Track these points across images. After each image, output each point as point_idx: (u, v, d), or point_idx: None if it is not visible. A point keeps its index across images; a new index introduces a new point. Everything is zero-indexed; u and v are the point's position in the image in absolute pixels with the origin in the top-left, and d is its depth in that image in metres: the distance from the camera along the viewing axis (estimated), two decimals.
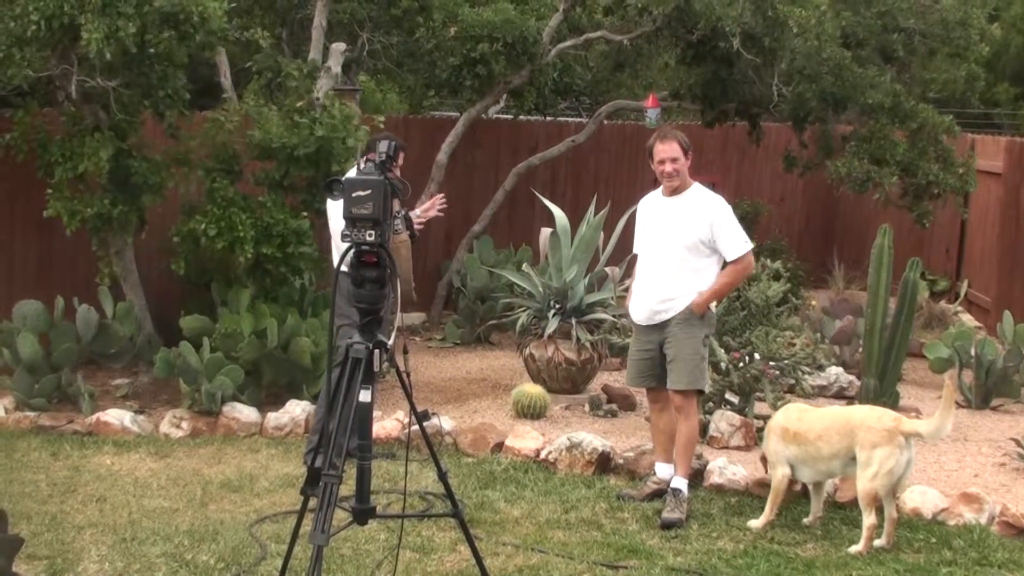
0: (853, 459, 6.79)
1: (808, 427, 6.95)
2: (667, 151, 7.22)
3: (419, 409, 5.85)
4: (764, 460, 7.51)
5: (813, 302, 12.11)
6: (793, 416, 7.10)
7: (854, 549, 6.68)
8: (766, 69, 11.66)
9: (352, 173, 7.62)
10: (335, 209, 7.56)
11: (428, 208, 8.34)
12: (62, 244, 10.10)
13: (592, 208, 10.28)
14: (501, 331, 11.79)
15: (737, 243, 7.22)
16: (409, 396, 5.69)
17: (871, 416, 6.86)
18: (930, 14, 12.10)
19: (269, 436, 8.69)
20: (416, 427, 5.90)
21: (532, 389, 9.41)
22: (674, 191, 7.32)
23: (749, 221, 13.97)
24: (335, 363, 5.59)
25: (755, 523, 7.04)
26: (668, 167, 7.23)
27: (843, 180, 11.68)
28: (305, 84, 10.10)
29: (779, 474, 7.05)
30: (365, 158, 5.65)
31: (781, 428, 7.05)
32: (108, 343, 9.64)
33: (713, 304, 7.41)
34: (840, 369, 10.35)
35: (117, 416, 8.71)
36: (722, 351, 8.79)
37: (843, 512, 7.29)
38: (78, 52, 8.60)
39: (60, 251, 10.35)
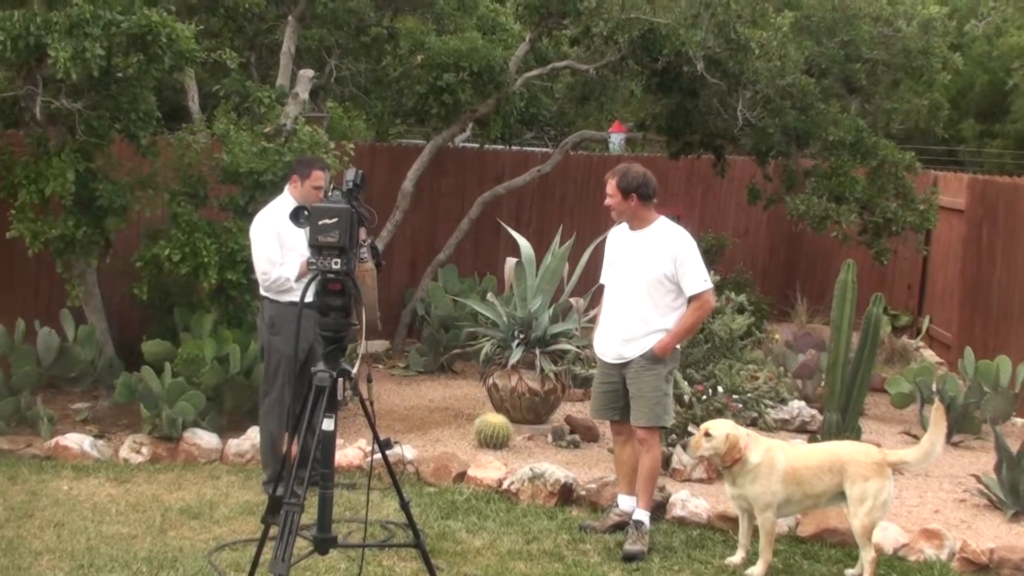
0: (838, 495, 6.81)
1: (804, 464, 6.89)
2: (607, 188, 7.31)
3: (381, 437, 5.84)
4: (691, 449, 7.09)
5: (776, 336, 12.15)
6: (791, 455, 6.93)
7: None
8: (731, 95, 11.70)
9: (287, 196, 7.64)
10: (264, 234, 7.51)
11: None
12: (24, 266, 10.02)
13: (557, 238, 10.29)
14: (465, 360, 11.77)
15: (696, 280, 7.18)
16: (372, 424, 5.68)
17: (859, 451, 6.90)
18: (892, 43, 12.19)
19: (230, 463, 8.62)
20: (378, 456, 5.89)
21: (495, 419, 9.38)
22: (638, 225, 7.34)
23: (713, 254, 14.05)
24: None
25: (756, 571, 6.80)
26: (607, 201, 7.32)
27: (802, 217, 11.72)
28: (274, 110, 10.09)
29: (772, 516, 6.84)
30: (333, 186, 5.65)
31: (786, 469, 6.82)
32: (69, 367, 9.54)
33: None
34: (802, 403, 10.38)
35: (76, 440, 8.64)
36: (685, 383, 8.80)
37: (804, 547, 7.30)
38: (44, 73, 8.55)
39: (21, 273, 10.26)
